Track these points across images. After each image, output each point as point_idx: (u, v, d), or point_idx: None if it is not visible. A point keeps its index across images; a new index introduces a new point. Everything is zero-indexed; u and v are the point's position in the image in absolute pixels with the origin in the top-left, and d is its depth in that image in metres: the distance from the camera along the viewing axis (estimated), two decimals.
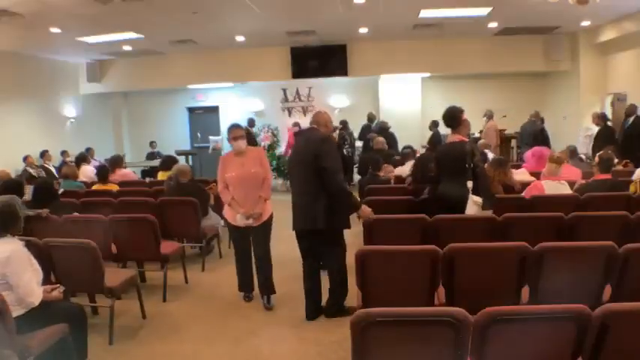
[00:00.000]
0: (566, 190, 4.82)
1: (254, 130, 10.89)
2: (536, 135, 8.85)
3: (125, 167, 9.45)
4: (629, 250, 2.89)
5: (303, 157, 3.80)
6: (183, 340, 3.76)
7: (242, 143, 4.24)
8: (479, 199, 3.93)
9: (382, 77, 11.80)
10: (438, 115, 10.63)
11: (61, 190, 5.97)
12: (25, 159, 9.38)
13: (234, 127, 4.30)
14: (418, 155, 6.56)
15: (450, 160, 4.05)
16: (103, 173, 6.88)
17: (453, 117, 4.16)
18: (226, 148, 12.65)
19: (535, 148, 7.11)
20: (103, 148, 11.67)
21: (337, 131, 9.60)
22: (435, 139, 9.69)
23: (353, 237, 4.74)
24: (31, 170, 8.79)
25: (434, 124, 10.08)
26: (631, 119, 8.06)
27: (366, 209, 3.78)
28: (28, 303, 2.84)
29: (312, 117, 4.07)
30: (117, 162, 8.05)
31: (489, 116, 9.93)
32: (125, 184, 7.23)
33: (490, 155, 6.78)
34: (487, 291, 2.98)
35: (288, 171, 4.74)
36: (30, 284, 2.84)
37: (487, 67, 11.00)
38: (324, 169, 3.63)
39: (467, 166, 3.96)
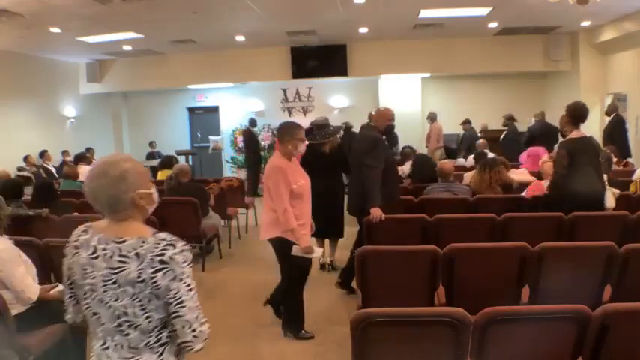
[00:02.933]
0: None
1: (255, 129, 10.88)
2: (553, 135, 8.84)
3: None
4: (629, 250, 2.89)
5: (356, 152, 4.32)
6: None
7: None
8: (617, 191, 3.98)
9: (382, 77, 11.79)
10: (437, 115, 10.74)
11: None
12: (26, 159, 9.39)
13: (300, 127, 3.61)
14: (415, 155, 6.58)
15: (590, 155, 4.01)
16: None
17: (586, 114, 4.20)
18: (227, 148, 12.68)
19: (530, 148, 7.14)
20: (103, 148, 11.66)
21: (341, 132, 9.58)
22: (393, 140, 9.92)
23: (353, 237, 4.74)
24: (24, 173, 8.74)
25: None
26: (610, 118, 8.25)
27: (375, 211, 3.88)
28: (26, 299, 2.83)
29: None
30: None
31: (432, 119, 10.38)
32: None
33: (490, 155, 6.78)
34: (487, 291, 2.98)
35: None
36: (25, 280, 2.84)
37: (487, 67, 10.99)
38: (364, 165, 4.04)
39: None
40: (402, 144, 9.27)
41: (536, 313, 2.12)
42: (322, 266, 5.26)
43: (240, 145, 12.15)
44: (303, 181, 3.51)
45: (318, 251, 3.57)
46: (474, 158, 6.51)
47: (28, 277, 2.88)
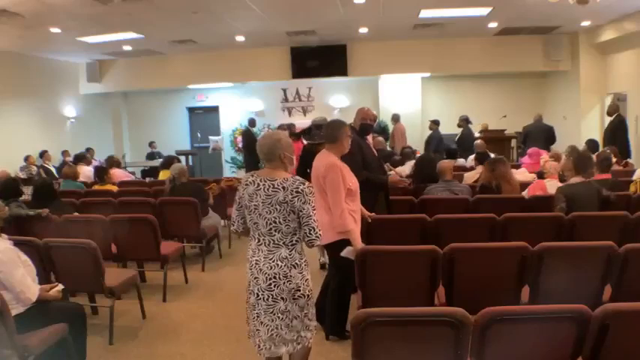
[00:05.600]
0: None
1: (254, 129, 10.88)
2: (546, 134, 9.09)
3: (125, 168, 9.46)
4: (629, 250, 2.89)
5: None
6: (184, 340, 3.76)
7: None
8: None
9: (382, 77, 11.79)
10: (436, 115, 10.73)
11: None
12: (27, 159, 9.40)
13: (345, 124, 3.58)
14: (418, 156, 6.57)
15: (590, 198, 4.11)
16: (100, 173, 6.91)
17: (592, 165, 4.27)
18: (227, 148, 12.66)
19: (532, 148, 7.19)
20: (103, 148, 11.66)
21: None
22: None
23: None
24: (21, 174, 8.75)
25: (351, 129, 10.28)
26: (612, 118, 8.26)
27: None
28: (25, 300, 2.83)
29: None
30: (109, 163, 8.21)
31: (396, 119, 10.65)
32: (124, 184, 7.25)
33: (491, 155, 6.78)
34: (487, 291, 2.98)
35: None
36: (24, 281, 2.83)
37: (487, 67, 10.99)
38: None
39: None
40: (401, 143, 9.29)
41: (536, 313, 2.12)
42: (322, 266, 5.26)
43: (240, 145, 12.15)
44: (354, 179, 3.42)
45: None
46: (476, 158, 6.51)
47: (27, 278, 2.88)
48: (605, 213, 3.89)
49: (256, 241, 2.54)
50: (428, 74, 11.63)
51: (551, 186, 4.78)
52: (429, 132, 10.01)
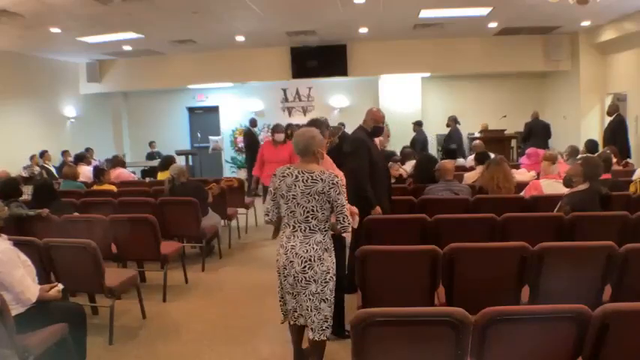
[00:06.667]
0: (564, 188, 4.83)
1: (255, 129, 10.89)
2: (545, 130, 9.31)
3: (125, 167, 9.44)
4: (629, 250, 2.89)
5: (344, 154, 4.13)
6: (184, 340, 3.76)
7: None
8: None
9: (382, 77, 11.78)
10: (436, 115, 10.72)
11: None
12: (32, 159, 9.41)
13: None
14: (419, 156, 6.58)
15: (594, 204, 4.06)
16: (97, 173, 6.92)
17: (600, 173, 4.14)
18: (227, 148, 12.66)
19: (530, 149, 7.21)
20: (103, 148, 11.66)
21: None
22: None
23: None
24: (24, 173, 8.75)
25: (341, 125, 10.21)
26: (612, 118, 8.30)
27: (376, 210, 3.95)
28: (25, 300, 2.83)
29: None
30: (113, 163, 8.20)
31: None
32: (124, 185, 7.24)
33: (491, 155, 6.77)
34: (487, 291, 2.98)
35: None
36: (24, 281, 2.83)
37: (487, 67, 10.98)
38: (348, 168, 3.84)
39: None
40: (401, 144, 9.29)
41: (536, 313, 2.12)
42: None
43: (240, 145, 12.15)
44: (341, 173, 3.50)
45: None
46: (476, 158, 6.51)
47: (27, 279, 2.88)
48: (605, 213, 3.89)
49: (291, 228, 2.82)
50: (428, 74, 11.62)
51: (547, 185, 4.79)
52: (429, 133, 10.01)
